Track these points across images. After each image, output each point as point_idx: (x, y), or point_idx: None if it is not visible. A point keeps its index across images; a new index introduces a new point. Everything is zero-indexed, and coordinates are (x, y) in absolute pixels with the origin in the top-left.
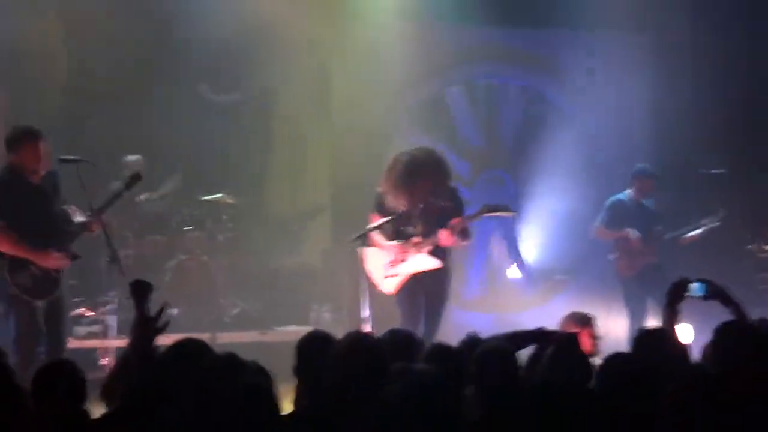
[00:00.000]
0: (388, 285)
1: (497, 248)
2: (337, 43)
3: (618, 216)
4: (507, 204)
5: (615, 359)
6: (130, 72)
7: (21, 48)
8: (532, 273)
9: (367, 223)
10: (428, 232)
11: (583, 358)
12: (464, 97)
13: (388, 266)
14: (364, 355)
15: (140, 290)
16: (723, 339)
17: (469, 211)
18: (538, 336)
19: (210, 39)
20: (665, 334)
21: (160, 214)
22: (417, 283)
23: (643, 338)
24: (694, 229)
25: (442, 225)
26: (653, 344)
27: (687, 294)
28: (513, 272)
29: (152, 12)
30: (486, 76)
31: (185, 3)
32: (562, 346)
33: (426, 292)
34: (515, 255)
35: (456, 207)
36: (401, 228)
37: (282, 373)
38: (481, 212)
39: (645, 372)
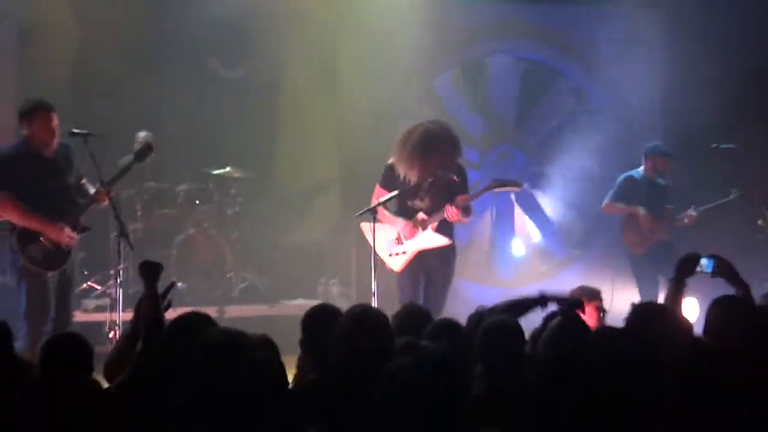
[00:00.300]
0: (395, 263)
1: (504, 221)
2: (346, 18)
3: (628, 192)
4: (515, 179)
5: (605, 332)
6: (139, 47)
7: (31, 25)
8: (551, 242)
9: (372, 196)
10: (434, 207)
11: (586, 329)
12: (473, 74)
13: (394, 243)
14: (369, 329)
15: (150, 271)
16: (719, 315)
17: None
18: (540, 300)
19: (219, 14)
20: (661, 308)
21: (169, 188)
22: (421, 261)
23: (637, 312)
24: (682, 219)
25: (449, 201)
26: (648, 318)
27: (697, 269)
28: (517, 248)
29: None
30: (497, 52)
31: None
32: (566, 320)
33: (429, 270)
34: (524, 227)
35: (462, 184)
36: (407, 202)
37: (289, 347)
38: (490, 187)
39: (637, 346)
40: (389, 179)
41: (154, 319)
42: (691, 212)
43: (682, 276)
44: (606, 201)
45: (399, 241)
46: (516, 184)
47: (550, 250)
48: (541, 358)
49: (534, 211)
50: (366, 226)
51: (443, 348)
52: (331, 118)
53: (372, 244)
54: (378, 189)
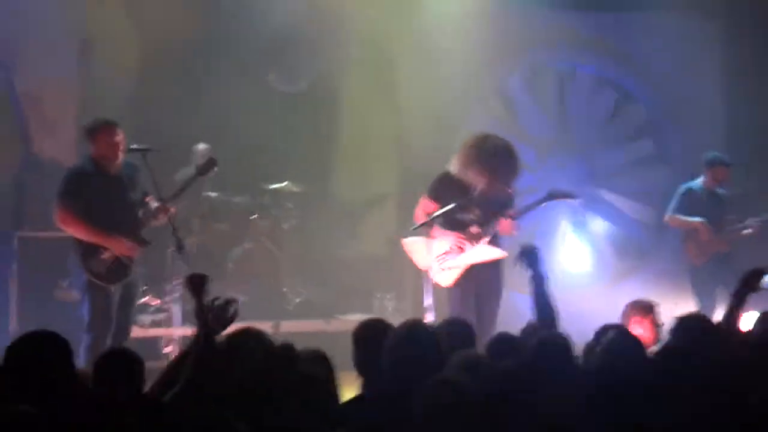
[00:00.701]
0: (445, 278)
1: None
2: (403, 30)
3: (689, 204)
4: (571, 191)
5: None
6: (199, 60)
7: (90, 36)
8: (609, 254)
9: (418, 207)
10: (484, 220)
11: (638, 345)
12: (532, 84)
13: (444, 257)
14: (419, 344)
15: (197, 283)
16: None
17: (533, 198)
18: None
19: (278, 28)
20: (705, 321)
21: (226, 203)
22: (471, 275)
23: (681, 326)
24: (744, 228)
25: (499, 214)
26: (693, 332)
27: (763, 284)
28: (573, 260)
29: (222, 1)
30: (554, 62)
31: None
32: (618, 335)
33: (480, 285)
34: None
35: (511, 198)
36: (456, 215)
37: (345, 362)
38: (546, 199)
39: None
40: (440, 191)
41: (203, 333)
42: (754, 222)
43: (745, 291)
44: (668, 214)
45: (450, 255)
46: (571, 195)
47: (607, 262)
48: (593, 372)
49: (592, 222)
50: (409, 242)
51: (509, 367)
52: (389, 131)
53: (416, 261)
54: (425, 200)
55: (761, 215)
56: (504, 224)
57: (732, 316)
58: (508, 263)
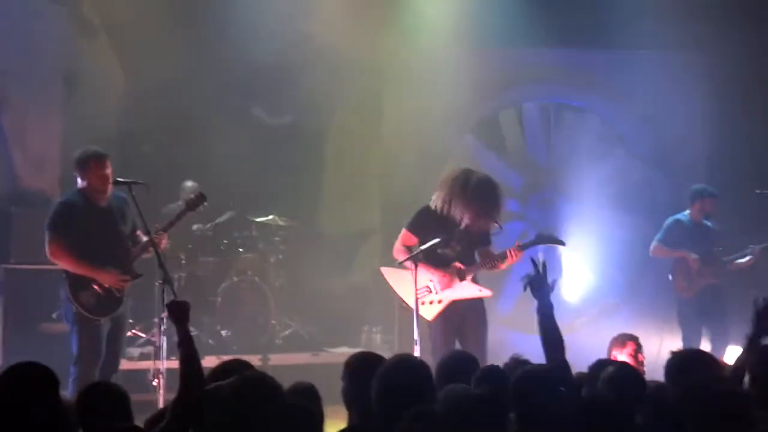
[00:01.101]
0: (427, 311)
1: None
2: (389, 65)
3: (676, 236)
4: (559, 237)
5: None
6: (185, 96)
7: (75, 74)
8: (595, 288)
9: (398, 240)
10: (465, 255)
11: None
12: (516, 119)
13: (426, 291)
14: (407, 376)
15: (178, 311)
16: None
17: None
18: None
19: (263, 62)
20: (702, 356)
21: (212, 237)
22: (453, 310)
23: (676, 361)
24: (742, 257)
25: (478, 249)
26: (688, 367)
27: None
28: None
29: (205, 35)
30: (538, 98)
31: (238, 27)
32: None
33: (463, 318)
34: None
35: (488, 235)
36: (437, 249)
37: (332, 395)
38: (535, 242)
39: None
40: (420, 224)
41: (189, 363)
42: (755, 249)
43: (760, 333)
44: (654, 244)
45: (431, 289)
46: (560, 242)
47: (594, 296)
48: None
49: (574, 259)
50: (388, 272)
51: (482, 393)
52: (374, 165)
53: (395, 289)
54: (405, 233)
55: (763, 243)
56: (512, 254)
57: (747, 362)
58: (502, 300)
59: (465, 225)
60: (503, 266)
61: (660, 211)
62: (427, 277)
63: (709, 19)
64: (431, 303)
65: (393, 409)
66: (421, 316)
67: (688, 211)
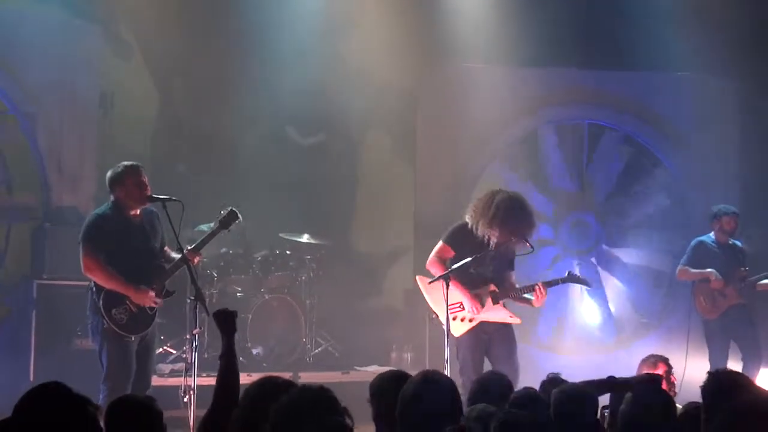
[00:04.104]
0: (458, 328)
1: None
2: (423, 85)
3: (701, 257)
4: (587, 279)
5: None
6: (218, 114)
7: (110, 90)
8: (613, 317)
9: (434, 251)
10: (497, 275)
11: (665, 399)
12: (552, 140)
13: (458, 307)
14: (435, 394)
15: (225, 319)
16: None
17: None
18: (612, 385)
19: (297, 82)
20: (738, 378)
21: (245, 255)
22: (482, 329)
23: (713, 382)
24: (766, 277)
25: (510, 269)
26: (725, 388)
27: None
28: (590, 317)
29: (240, 56)
30: (574, 119)
31: (273, 47)
32: (642, 388)
33: (491, 338)
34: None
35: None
36: (471, 269)
37: (363, 414)
38: (563, 280)
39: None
40: (457, 239)
41: (226, 377)
42: None
43: None
44: (679, 267)
45: (464, 307)
46: (586, 283)
47: (623, 319)
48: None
49: (607, 280)
50: (423, 281)
51: (523, 416)
52: (407, 184)
53: (428, 299)
54: (442, 246)
55: None
56: (539, 292)
57: None
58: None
59: (494, 245)
60: (535, 304)
61: (693, 234)
62: (460, 294)
63: (744, 43)
64: (462, 320)
65: (419, 427)
66: (449, 332)
67: (711, 233)
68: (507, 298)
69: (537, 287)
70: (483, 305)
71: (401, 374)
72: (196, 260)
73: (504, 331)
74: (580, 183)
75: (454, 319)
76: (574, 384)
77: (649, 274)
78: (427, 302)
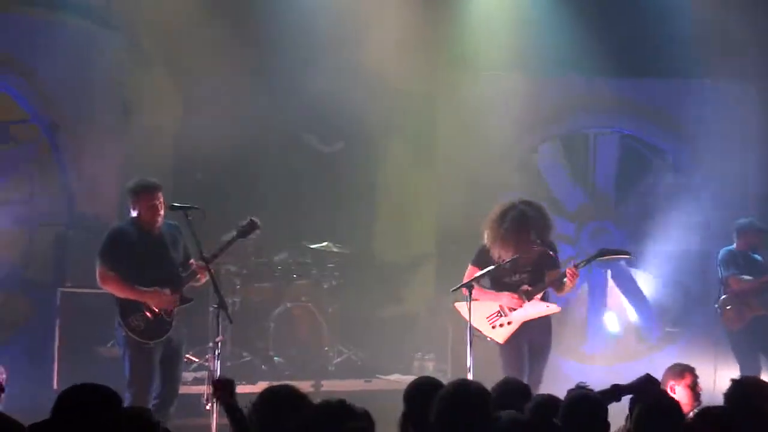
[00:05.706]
0: (499, 334)
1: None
2: (443, 94)
3: (739, 265)
4: (624, 249)
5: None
6: (238, 122)
7: (133, 99)
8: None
9: (465, 276)
10: (534, 280)
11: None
12: (570, 148)
13: (496, 316)
14: (469, 402)
15: (223, 387)
16: None
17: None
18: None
19: (316, 90)
20: (763, 384)
21: (267, 263)
22: (524, 331)
23: (737, 388)
24: None
25: (546, 272)
26: (749, 394)
27: None
28: (612, 324)
29: (260, 65)
30: (593, 127)
31: (292, 55)
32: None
33: (532, 340)
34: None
35: (555, 257)
36: (504, 279)
37: (386, 422)
38: (598, 255)
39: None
40: (483, 259)
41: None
42: None
43: None
44: (731, 277)
45: (502, 313)
46: (625, 253)
47: (646, 327)
48: None
49: (630, 288)
50: (461, 306)
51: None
52: (428, 192)
53: (469, 321)
54: (471, 269)
55: None
56: (571, 272)
57: None
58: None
59: (521, 257)
60: (571, 285)
61: (713, 244)
62: (494, 303)
63: (766, 50)
64: (501, 326)
65: None
66: (493, 339)
67: (735, 244)
68: (540, 292)
69: (567, 270)
70: (519, 305)
71: (434, 382)
72: (211, 270)
73: (542, 342)
74: (602, 189)
75: (494, 327)
76: (583, 391)
77: (668, 283)
78: (470, 324)
